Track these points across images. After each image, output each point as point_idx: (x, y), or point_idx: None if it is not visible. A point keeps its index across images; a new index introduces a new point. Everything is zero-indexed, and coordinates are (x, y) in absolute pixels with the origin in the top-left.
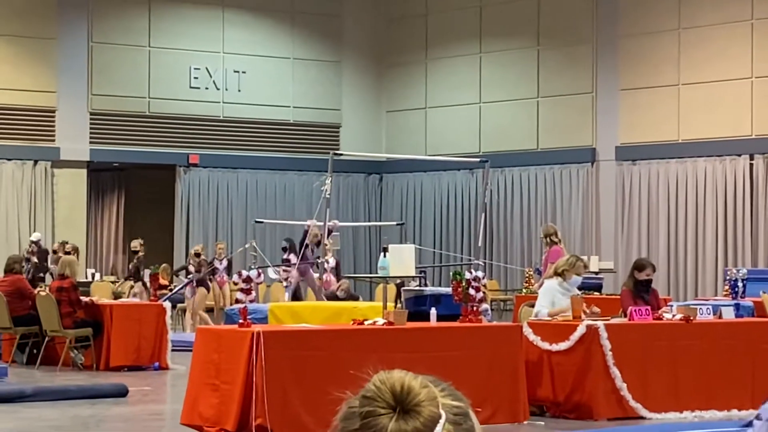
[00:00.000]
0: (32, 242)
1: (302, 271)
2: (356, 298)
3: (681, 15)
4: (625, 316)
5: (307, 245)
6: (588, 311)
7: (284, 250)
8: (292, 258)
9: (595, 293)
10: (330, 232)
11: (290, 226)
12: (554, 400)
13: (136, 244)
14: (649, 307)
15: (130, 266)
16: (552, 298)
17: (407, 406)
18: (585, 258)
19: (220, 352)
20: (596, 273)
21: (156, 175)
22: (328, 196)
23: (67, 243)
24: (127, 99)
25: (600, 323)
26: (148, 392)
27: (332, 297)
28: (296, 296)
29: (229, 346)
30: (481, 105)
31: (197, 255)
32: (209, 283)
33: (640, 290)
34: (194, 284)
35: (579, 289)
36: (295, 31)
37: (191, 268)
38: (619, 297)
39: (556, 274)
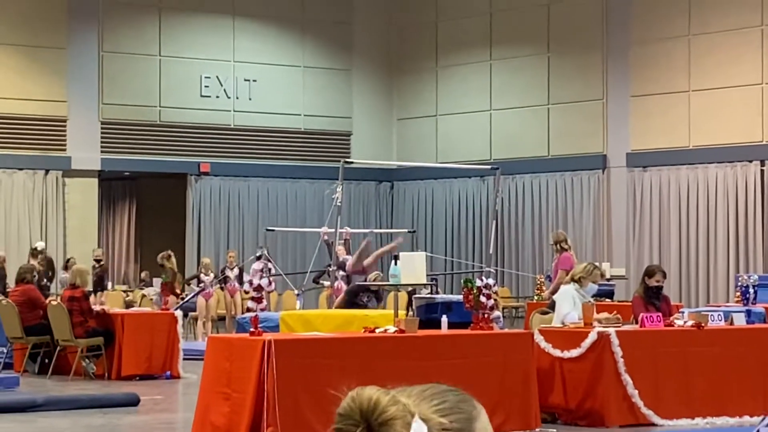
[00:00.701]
0: (38, 251)
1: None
2: (380, 298)
3: (691, 21)
4: (637, 322)
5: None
6: (604, 319)
7: (258, 258)
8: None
9: (607, 300)
10: (346, 241)
11: (302, 233)
12: (566, 407)
13: (98, 252)
14: (660, 314)
15: (93, 276)
16: (573, 300)
17: (375, 423)
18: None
19: (231, 361)
20: (608, 280)
21: (167, 183)
22: (339, 204)
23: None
24: (138, 108)
25: (611, 330)
26: (159, 401)
27: (361, 290)
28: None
29: (240, 354)
30: (492, 112)
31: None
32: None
33: (651, 297)
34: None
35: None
36: (306, 39)
37: (203, 277)
38: (630, 303)
39: (573, 280)
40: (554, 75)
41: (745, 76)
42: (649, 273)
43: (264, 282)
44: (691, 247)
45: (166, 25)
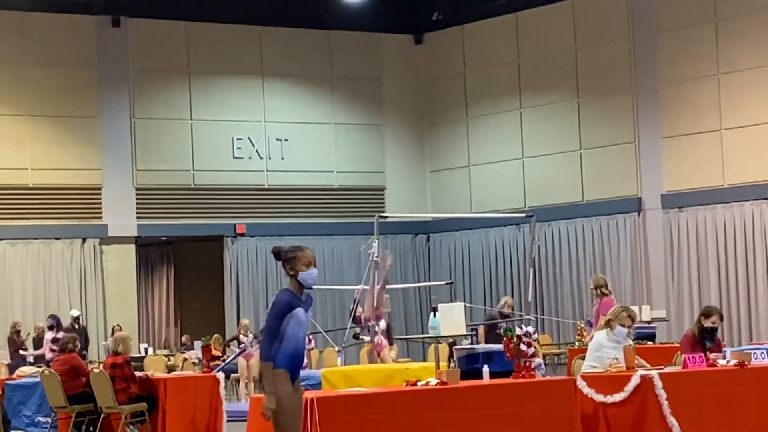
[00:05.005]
0: (73, 318)
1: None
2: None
3: (720, 60)
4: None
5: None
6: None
7: (50, 328)
8: (60, 335)
9: (649, 342)
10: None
11: (340, 291)
12: None
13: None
14: (702, 354)
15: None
16: (599, 353)
17: None
18: (636, 308)
19: None
20: (648, 322)
21: (204, 246)
22: (376, 258)
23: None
24: (172, 172)
25: (654, 372)
26: None
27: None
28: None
29: None
30: (524, 160)
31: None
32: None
33: (705, 337)
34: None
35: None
36: (335, 96)
37: (242, 338)
38: (672, 345)
39: (606, 325)
40: (585, 120)
41: None
42: (706, 313)
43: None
44: (730, 285)
45: (196, 89)
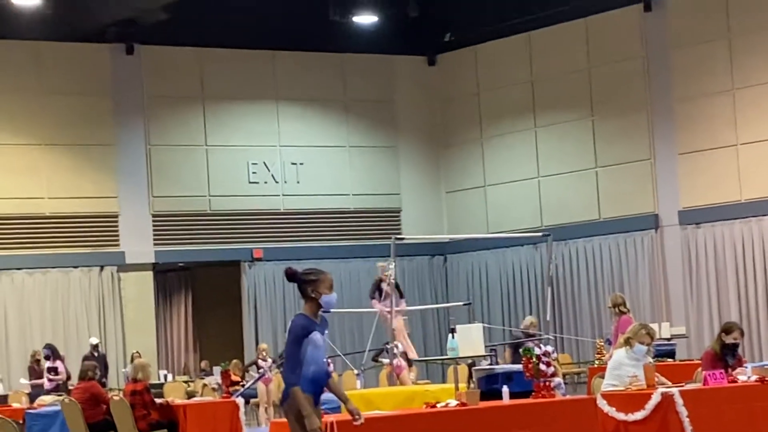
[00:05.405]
0: (92, 346)
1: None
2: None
3: (734, 75)
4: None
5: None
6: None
7: (47, 358)
8: (58, 365)
9: (669, 360)
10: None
11: (358, 314)
12: None
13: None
14: (723, 371)
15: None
16: (619, 371)
17: None
18: (655, 325)
19: None
20: (668, 339)
21: (221, 271)
22: (393, 280)
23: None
24: (188, 198)
25: (675, 390)
26: None
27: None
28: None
29: None
30: (540, 179)
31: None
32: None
33: (726, 354)
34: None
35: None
36: (349, 119)
37: (260, 362)
38: (692, 362)
39: (626, 342)
40: (600, 138)
41: None
42: (727, 330)
43: None
44: (750, 300)
45: (210, 115)
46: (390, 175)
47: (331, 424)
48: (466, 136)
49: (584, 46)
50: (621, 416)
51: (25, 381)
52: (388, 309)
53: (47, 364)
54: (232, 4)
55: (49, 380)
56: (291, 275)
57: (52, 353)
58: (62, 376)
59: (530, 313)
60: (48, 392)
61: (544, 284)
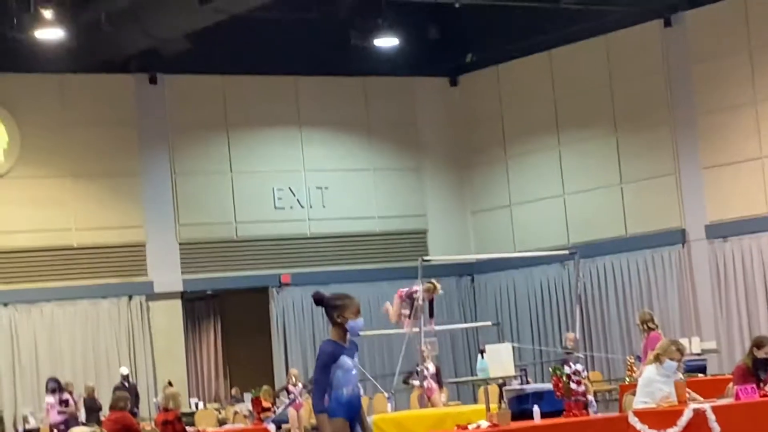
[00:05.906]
0: (122, 376)
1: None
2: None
3: (756, 87)
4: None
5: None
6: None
7: (53, 391)
8: (67, 397)
9: (700, 375)
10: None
11: (387, 336)
12: None
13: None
14: (754, 386)
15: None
16: (649, 388)
17: None
18: (685, 340)
19: None
20: (698, 354)
21: (250, 298)
22: (421, 303)
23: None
24: (214, 225)
25: (707, 406)
26: None
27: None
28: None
29: None
30: (565, 196)
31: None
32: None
33: (759, 368)
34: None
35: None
36: (373, 142)
37: (291, 388)
38: (724, 377)
39: (656, 359)
40: (624, 154)
41: None
42: (758, 344)
43: None
44: None
45: (234, 141)
46: (415, 197)
47: None
48: (490, 156)
49: (606, 62)
50: None
51: (26, 412)
52: (416, 329)
53: (52, 398)
54: (254, 31)
55: (59, 413)
56: (318, 300)
57: (58, 386)
58: (72, 408)
59: (565, 331)
60: (57, 425)
61: (573, 302)
